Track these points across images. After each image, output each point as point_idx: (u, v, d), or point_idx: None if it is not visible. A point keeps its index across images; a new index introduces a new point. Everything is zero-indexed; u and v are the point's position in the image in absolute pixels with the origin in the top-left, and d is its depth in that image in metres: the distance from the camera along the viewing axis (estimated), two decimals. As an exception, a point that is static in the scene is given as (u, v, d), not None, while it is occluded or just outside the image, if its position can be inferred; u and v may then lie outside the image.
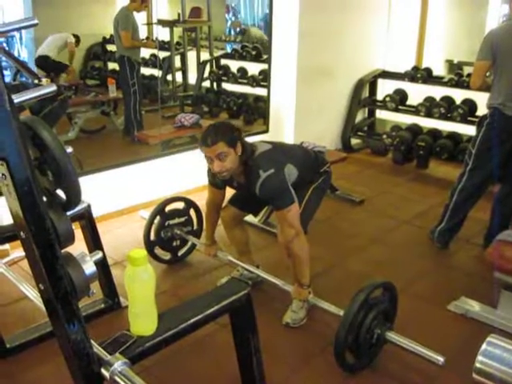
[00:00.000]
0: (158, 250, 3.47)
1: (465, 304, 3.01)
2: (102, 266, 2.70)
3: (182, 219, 3.50)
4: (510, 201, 3.62)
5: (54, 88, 1.30)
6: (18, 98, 1.26)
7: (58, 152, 1.34)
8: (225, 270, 3.41)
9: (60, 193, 1.49)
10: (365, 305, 2.38)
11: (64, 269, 1.35)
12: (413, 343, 2.39)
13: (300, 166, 2.81)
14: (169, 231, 3.44)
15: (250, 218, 3.77)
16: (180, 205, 3.54)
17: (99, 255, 1.53)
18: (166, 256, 3.52)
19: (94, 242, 2.75)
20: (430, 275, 3.49)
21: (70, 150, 1.41)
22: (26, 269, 3.21)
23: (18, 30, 1.28)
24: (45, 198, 1.38)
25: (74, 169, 1.38)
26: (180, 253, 3.56)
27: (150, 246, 3.39)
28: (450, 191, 3.73)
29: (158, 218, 3.41)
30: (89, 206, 2.63)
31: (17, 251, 3.45)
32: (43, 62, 5.49)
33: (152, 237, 3.40)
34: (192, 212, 3.56)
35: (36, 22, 1.28)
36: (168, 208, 3.47)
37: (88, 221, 2.69)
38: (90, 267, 1.45)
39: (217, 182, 2.92)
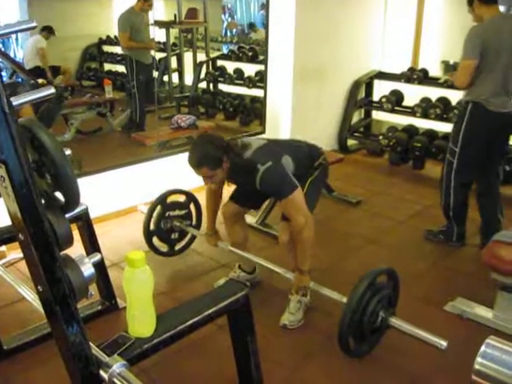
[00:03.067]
0: (156, 242, 3.48)
1: (461, 304, 3.02)
2: (100, 267, 2.70)
3: (182, 212, 3.51)
4: (490, 194, 3.69)
5: (52, 91, 1.31)
6: (16, 101, 1.26)
7: (57, 154, 1.34)
8: (222, 271, 3.42)
9: (58, 195, 1.49)
10: (370, 288, 2.40)
11: (63, 271, 1.35)
12: (415, 328, 2.40)
13: (295, 157, 2.83)
14: (168, 222, 3.45)
15: (247, 219, 3.77)
16: (181, 198, 3.55)
17: (98, 257, 1.53)
18: (164, 248, 3.52)
19: (92, 244, 2.75)
20: (426, 276, 3.50)
21: (68, 152, 1.42)
22: (23, 270, 3.21)
23: (16, 33, 1.28)
24: (43, 201, 1.38)
25: (72, 171, 1.38)
26: (177, 247, 3.57)
27: (148, 235, 3.41)
28: (442, 191, 3.75)
29: (158, 208, 3.42)
30: (86, 208, 2.63)
31: (13, 253, 3.45)
32: (37, 72, 5.47)
33: (151, 226, 3.41)
34: (192, 207, 3.57)
35: (34, 24, 1.27)
36: (169, 200, 3.48)
37: (85, 222, 2.69)
38: (88, 269, 1.46)
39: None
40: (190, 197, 3.56)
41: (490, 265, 2.80)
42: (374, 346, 2.56)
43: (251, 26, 7.51)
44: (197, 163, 2.62)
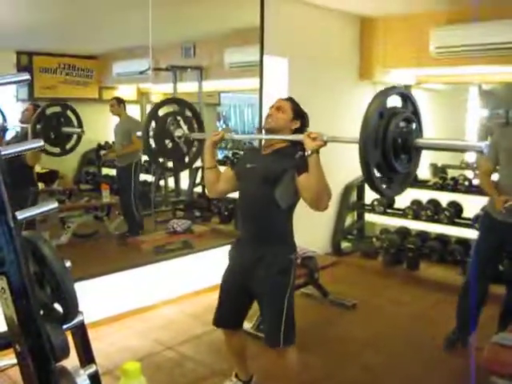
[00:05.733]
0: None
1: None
2: (93, 376, 2.64)
3: None
4: None
5: (55, 205, 1.37)
6: (21, 215, 1.32)
7: (58, 267, 1.38)
8: (217, 379, 3.34)
9: (57, 306, 1.51)
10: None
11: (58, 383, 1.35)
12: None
13: None
14: None
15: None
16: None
17: (93, 369, 1.53)
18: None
19: (86, 353, 2.69)
20: (426, 380, 3.43)
21: (68, 264, 1.45)
22: (14, 378, 3.13)
23: (22, 152, 1.36)
24: (42, 312, 1.40)
25: (72, 284, 1.41)
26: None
27: None
28: None
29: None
30: (83, 319, 2.61)
31: (5, 359, 3.37)
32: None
33: None
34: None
35: (42, 144, 1.36)
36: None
37: (80, 330, 2.66)
38: (83, 381, 1.45)
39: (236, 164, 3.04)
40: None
41: (491, 368, 2.76)
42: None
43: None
44: (288, 99, 2.91)
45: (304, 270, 4.29)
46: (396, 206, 6.05)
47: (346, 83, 6.09)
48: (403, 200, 5.94)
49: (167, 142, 3.34)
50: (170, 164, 3.66)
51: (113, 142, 6.14)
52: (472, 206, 5.27)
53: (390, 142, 2.18)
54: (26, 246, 1.38)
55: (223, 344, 3.16)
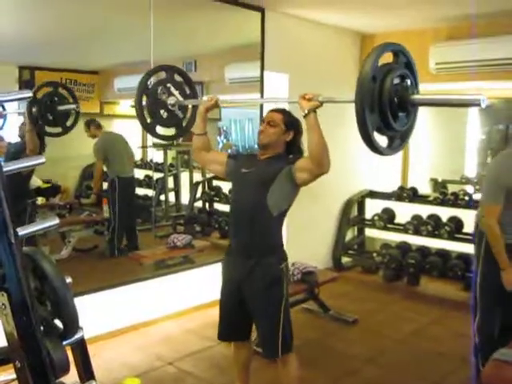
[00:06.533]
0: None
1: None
2: (92, 393, 2.63)
3: None
4: None
5: (56, 221, 1.37)
6: (22, 231, 1.32)
7: (58, 284, 1.38)
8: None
9: (57, 322, 1.51)
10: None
11: (58, 400, 1.35)
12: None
13: None
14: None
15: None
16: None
17: (93, 385, 1.52)
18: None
19: (86, 369, 2.68)
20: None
21: (69, 280, 1.46)
22: (13, 396, 3.11)
23: (25, 168, 1.37)
24: (42, 327, 1.40)
25: (72, 300, 1.42)
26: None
27: None
28: None
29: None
30: (83, 335, 2.60)
31: (4, 374, 3.35)
32: (38, 191, 5.61)
33: None
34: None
35: (43, 160, 1.37)
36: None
37: (80, 346, 2.65)
38: (83, 398, 1.44)
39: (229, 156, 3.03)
40: None
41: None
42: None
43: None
44: (280, 111, 2.88)
45: (304, 285, 4.29)
46: (396, 221, 6.05)
47: (346, 99, 6.11)
48: (404, 215, 5.94)
49: (162, 112, 3.37)
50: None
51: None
52: (472, 220, 5.27)
53: (387, 103, 2.16)
54: (27, 262, 1.38)
55: (223, 359, 3.15)
